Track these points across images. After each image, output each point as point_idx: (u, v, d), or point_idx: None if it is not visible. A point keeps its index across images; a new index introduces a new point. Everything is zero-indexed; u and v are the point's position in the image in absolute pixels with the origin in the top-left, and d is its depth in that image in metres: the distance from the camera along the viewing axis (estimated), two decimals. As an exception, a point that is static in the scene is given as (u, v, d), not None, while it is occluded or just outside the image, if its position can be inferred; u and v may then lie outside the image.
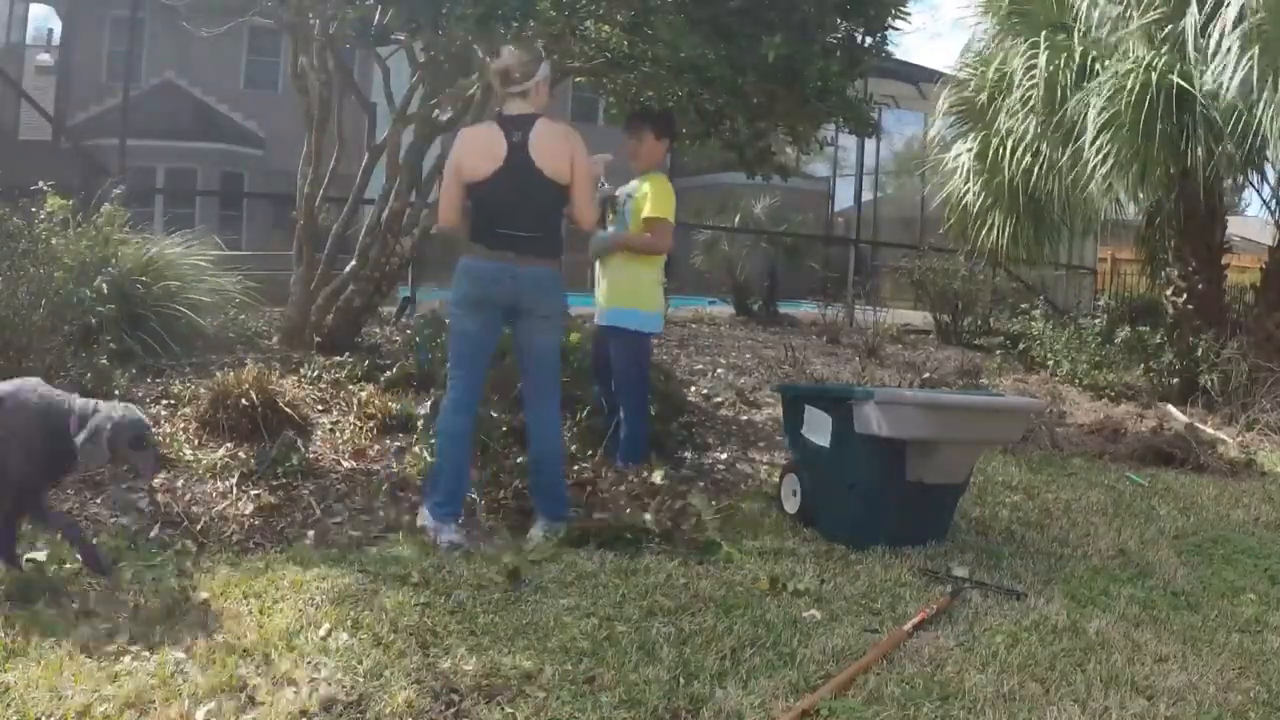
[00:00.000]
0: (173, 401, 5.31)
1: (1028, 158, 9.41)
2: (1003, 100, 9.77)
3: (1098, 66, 8.76)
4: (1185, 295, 10.15)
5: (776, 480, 5.07)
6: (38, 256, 5.17)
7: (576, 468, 5.07)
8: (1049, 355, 10.42)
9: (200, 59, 17.67)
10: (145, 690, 2.67)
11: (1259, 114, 7.68)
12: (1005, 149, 9.70)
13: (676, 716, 2.79)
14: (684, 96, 6.61)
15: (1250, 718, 3.09)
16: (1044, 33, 9.31)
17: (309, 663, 2.90)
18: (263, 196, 17.81)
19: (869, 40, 6.52)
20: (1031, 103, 9.12)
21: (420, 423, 5.28)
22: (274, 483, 4.48)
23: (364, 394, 5.65)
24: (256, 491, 4.38)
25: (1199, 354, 9.23)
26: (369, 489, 4.64)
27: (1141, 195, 9.12)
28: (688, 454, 5.78)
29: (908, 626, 3.50)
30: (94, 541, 3.55)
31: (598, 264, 5.47)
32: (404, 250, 7.23)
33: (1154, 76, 8.16)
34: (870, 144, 15.81)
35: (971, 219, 10.49)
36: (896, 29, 6.48)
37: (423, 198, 7.28)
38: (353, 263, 7.00)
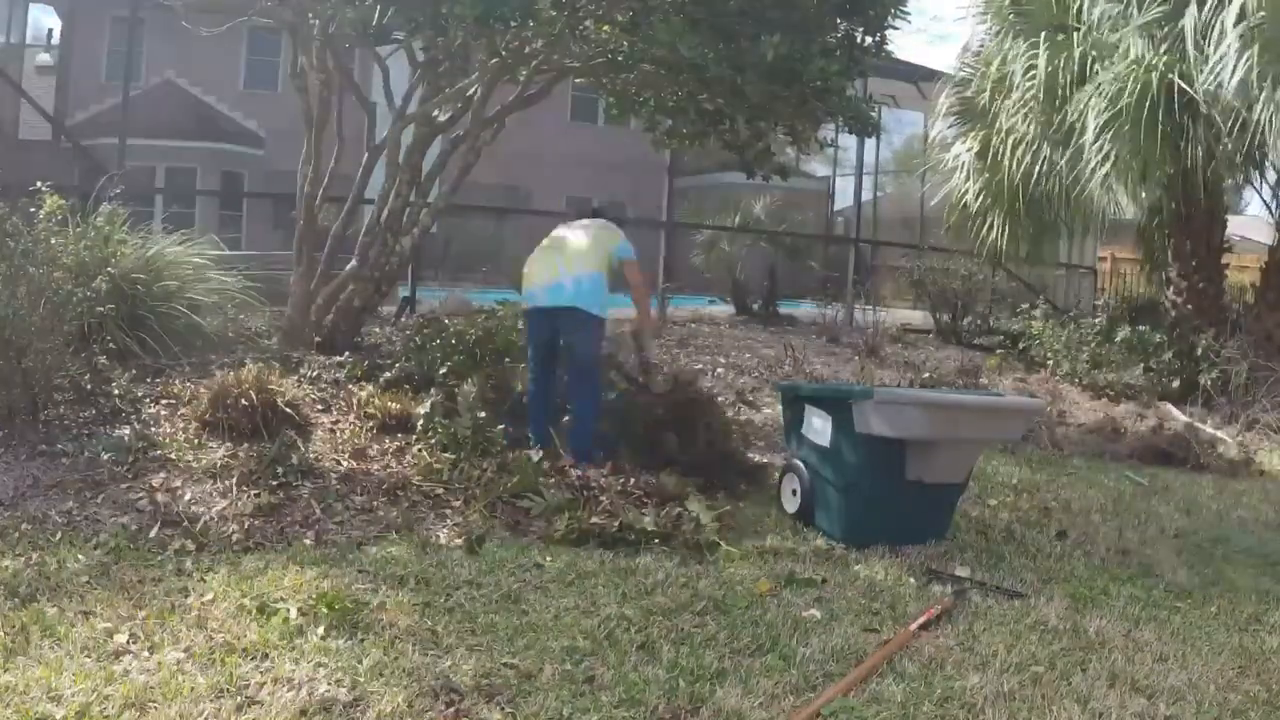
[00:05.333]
0: (173, 401, 5.30)
1: (1028, 157, 9.42)
2: (1003, 100, 9.77)
3: (1097, 67, 8.77)
4: (1185, 295, 10.15)
5: (776, 480, 5.06)
6: (37, 256, 5.16)
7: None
8: (1049, 355, 10.42)
9: (200, 59, 17.63)
10: (145, 690, 2.67)
11: (1258, 113, 7.68)
12: (1005, 149, 9.71)
13: (676, 716, 2.79)
14: (683, 96, 6.61)
15: (1250, 717, 3.09)
16: (1044, 33, 9.31)
17: (309, 663, 2.90)
18: (263, 196, 17.79)
19: (869, 40, 6.51)
20: (1031, 103, 9.13)
21: (420, 423, 5.28)
22: (274, 483, 4.47)
23: (364, 394, 5.65)
24: (256, 491, 4.37)
25: (1199, 353, 9.24)
26: (369, 489, 4.64)
27: (1143, 194, 9.13)
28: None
29: (913, 626, 3.50)
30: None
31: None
32: (403, 250, 7.23)
33: (1154, 77, 8.16)
34: (870, 143, 15.76)
35: (971, 219, 10.50)
36: (896, 28, 6.48)
37: (422, 197, 7.28)
38: (352, 262, 6.99)
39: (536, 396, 5.39)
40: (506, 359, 5.98)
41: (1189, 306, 10.06)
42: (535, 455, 4.94)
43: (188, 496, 4.28)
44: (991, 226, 10.34)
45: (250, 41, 18.70)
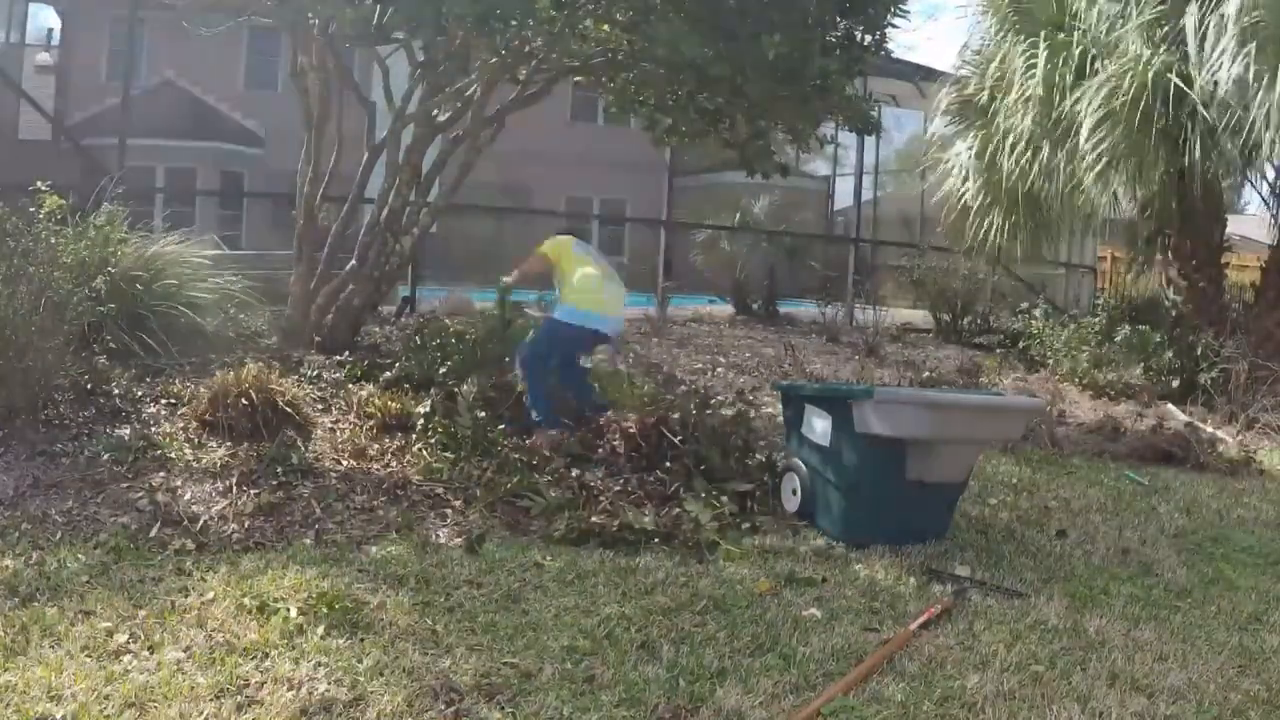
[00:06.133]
0: (172, 401, 5.30)
1: (1026, 156, 9.41)
2: (1002, 99, 9.77)
3: (1096, 65, 8.76)
4: (1185, 294, 10.15)
5: (776, 479, 5.06)
6: (37, 256, 5.16)
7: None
8: (1049, 354, 10.42)
9: (200, 59, 17.63)
10: (145, 690, 2.67)
11: (1254, 111, 7.67)
12: (1004, 147, 9.70)
13: (677, 716, 2.79)
14: (684, 95, 6.61)
15: (1250, 716, 3.09)
16: (1044, 32, 9.30)
17: (309, 662, 2.90)
18: (263, 196, 17.79)
19: (868, 38, 6.51)
20: (1030, 101, 9.12)
21: (419, 422, 5.28)
22: (274, 482, 4.47)
23: (363, 393, 5.65)
24: (256, 491, 4.37)
25: (1199, 353, 9.23)
26: (369, 489, 4.64)
27: (1139, 192, 9.12)
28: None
29: (913, 626, 3.50)
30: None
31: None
32: (403, 250, 7.23)
33: (1150, 75, 8.15)
34: (870, 142, 15.80)
35: (970, 217, 10.49)
36: (896, 27, 6.49)
37: (422, 197, 7.28)
38: (352, 262, 6.99)
39: (554, 389, 5.70)
40: (506, 359, 5.99)
41: (1189, 306, 10.06)
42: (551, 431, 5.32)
43: (188, 496, 4.28)
44: (990, 225, 10.34)
45: (250, 41, 18.69)
